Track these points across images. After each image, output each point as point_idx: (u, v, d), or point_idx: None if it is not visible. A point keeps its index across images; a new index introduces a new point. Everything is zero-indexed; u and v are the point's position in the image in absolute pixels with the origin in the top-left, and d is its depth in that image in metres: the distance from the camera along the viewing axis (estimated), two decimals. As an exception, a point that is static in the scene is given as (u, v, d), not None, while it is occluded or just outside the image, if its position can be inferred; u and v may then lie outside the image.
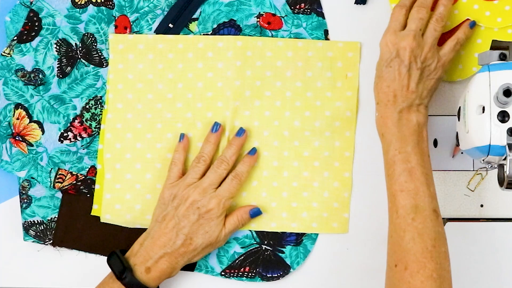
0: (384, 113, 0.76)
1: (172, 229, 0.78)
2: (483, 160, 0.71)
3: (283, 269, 0.83)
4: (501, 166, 0.70)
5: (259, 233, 0.84)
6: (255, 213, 0.82)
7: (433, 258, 0.70)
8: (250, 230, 0.84)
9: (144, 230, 0.82)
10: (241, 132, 0.82)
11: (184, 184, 0.80)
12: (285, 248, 0.83)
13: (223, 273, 0.84)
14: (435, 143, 0.82)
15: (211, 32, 0.85)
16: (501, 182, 0.69)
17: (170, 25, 0.85)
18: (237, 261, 0.83)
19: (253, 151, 0.82)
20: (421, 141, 0.75)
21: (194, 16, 0.85)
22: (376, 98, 0.77)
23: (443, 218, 0.79)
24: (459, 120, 0.75)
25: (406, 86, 0.75)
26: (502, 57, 0.71)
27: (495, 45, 0.79)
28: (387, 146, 0.75)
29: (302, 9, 0.85)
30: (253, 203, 0.83)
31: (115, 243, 0.83)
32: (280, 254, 0.83)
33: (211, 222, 0.78)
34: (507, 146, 0.68)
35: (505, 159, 0.68)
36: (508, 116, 0.69)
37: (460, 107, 0.75)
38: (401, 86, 0.75)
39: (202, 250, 0.79)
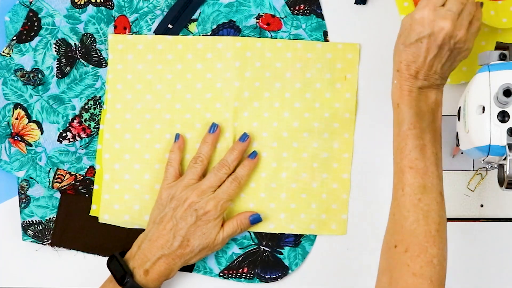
0: (403, 84, 0.71)
1: (169, 231, 0.76)
2: (483, 160, 0.70)
3: (281, 270, 0.82)
4: (501, 166, 0.68)
5: (258, 234, 0.82)
6: (255, 219, 0.80)
7: (435, 243, 0.67)
8: (249, 231, 0.82)
9: (142, 230, 0.81)
10: (244, 137, 0.80)
11: (182, 185, 0.78)
12: (283, 249, 0.81)
13: (221, 274, 0.82)
14: None
15: (210, 33, 0.83)
16: (501, 182, 0.68)
17: (170, 26, 0.83)
18: (235, 262, 0.82)
19: (253, 154, 0.80)
20: (437, 119, 0.71)
21: (194, 17, 0.83)
22: (397, 65, 0.72)
23: None
24: (459, 120, 0.74)
25: (431, 66, 0.71)
26: (502, 57, 0.70)
27: (497, 45, 0.78)
28: (401, 118, 0.71)
29: (301, 10, 0.83)
30: (251, 205, 0.81)
31: (113, 243, 0.81)
32: (279, 255, 0.81)
33: (208, 224, 0.76)
34: (507, 146, 0.66)
35: (505, 159, 0.67)
36: (508, 116, 0.67)
37: (460, 107, 0.74)
38: (426, 65, 0.71)
39: (199, 252, 0.77)
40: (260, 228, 0.81)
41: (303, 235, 0.82)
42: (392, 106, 0.72)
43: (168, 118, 0.82)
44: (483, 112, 0.68)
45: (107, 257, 0.79)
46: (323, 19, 0.83)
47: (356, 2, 0.82)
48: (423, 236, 0.66)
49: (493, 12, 0.78)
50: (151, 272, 0.76)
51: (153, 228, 0.77)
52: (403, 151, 0.70)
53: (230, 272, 0.82)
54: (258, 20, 0.83)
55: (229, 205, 0.79)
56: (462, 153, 0.79)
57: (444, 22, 0.70)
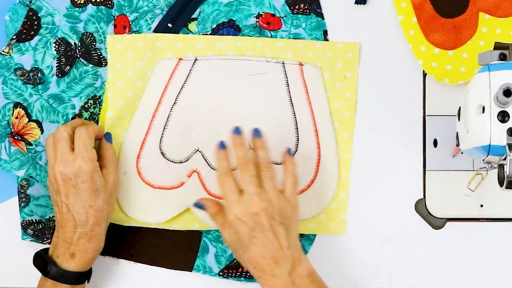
0: (273, 283, 0.65)
1: (68, 212, 0.67)
2: (483, 160, 0.65)
3: None
4: (501, 166, 0.63)
5: None
6: (109, 137, 0.71)
7: None
8: None
9: (139, 228, 0.73)
10: (237, 130, 0.70)
11: None
12: None
13: (221, 273, 0.74)
14: (435, 143, 0.75)
15: (210, 32, 0.75)
16: (501, 182, 0.63)
17: (169, 25, 0.75)
18: (235, 261, 0.74)
19: (257, 132, 0.69)
20: (320, 283, 0.66)
21: (194, 16, 0.75)
22: (254, 270, 0.66)
23: (442, 218, 0.74)
24: (459, 120, 0.69)
25: (279, 247, 0.65)
26: (502, 57, 0.64)
27: (495, 45, 0.72)
28: None
29: (301, 10, 0.76)
30: None
31: (111, 241, 0.73)
32: None
33: (93, 180, 0.67)
34: (507, 146, 0.61)
35: (505, 159, 0.62)
36: (508, 116, 0.62)
37: (460, 107, 0.69)
38: (275, 249, 0.65)
39: (108, 204, 0.68)
40: None
41: (303, 234, 0.75)
42: None
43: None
44: (483, 112, 0.63)
45: (105, 256, 0.72)
46: (323, 18, 0.76)
47: (357, 2, 0.75)
48: None
49: (435, 63, 0.73)
50: (77, 253, 0.68)
51: (56, 215, 0.69)
52: None
53: (230, 271, 0.74)
54: (258, 19, 0.76)
55: (92, 152, 0.68)
56: (462, 153, 0.74)
57: (253, 206, 0.65)
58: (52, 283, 0.67)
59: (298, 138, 0.75)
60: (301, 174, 0.74)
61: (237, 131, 0.69)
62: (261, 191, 0.66)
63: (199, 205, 0.69)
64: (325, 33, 0.76)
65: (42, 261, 0.68)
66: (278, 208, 0.66)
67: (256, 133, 0.70)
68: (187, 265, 0.74)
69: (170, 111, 0.74)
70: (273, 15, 0.75)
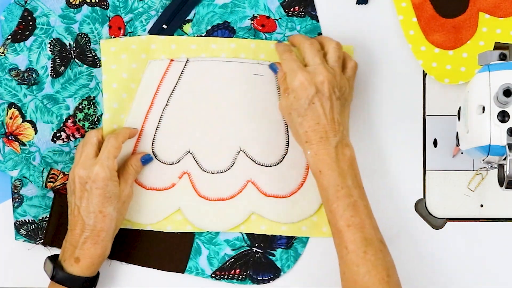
0: (318, 150, 0.66)
1: (78, 214, 0.67)
2: (483, 160, 0.62)
3: (273, 272, 0.72)
4: (501, 166, 0.61)
5: (250, 236, 0.72)
6: (147, 160, 0.71)
7: (390, 287, 0.64)
8: (241, 233, 0.72)
9: (131, 230, 0.71)
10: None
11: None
12: (275, 251, 0.72)
13: (213, 275, 0.72)
14: (435, 143, 0.73)
15: (205, 33, 0.73)
16: (501, 182, 0.61)
17: (164, 26, 0.73)
18: (227, 263, 0.72)
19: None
20: (357, 173, 0.67)
21: (188, 18, 0.73)
22: (303, 137, 0.67)
23: (442, 218, 0.72)
24: (459, 120, 0.67)
25: (332, 119, 0.66)
26: (502, 57, 0.62)
27: (495, 45, 0.69)
28: (326, 183, 0.66)
29: (296, 12, 0.73)
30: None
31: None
32: (271, 257, 0.72)
33: (107, 187, 0.67)
34: (507, 146, 0.59)
35: (505, 159, 0.60)
36: (508, 116, 0.60)
37: (460, 107, 0.67)
38: (329, 120, 0.66)
39: (117, 213, 0.68)
40: (252, 229, 0.72)
41: (296, 237, 0.72)
42: (313, 174, 0.67)
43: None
44: (483, 112, 0.60)
45: None
46: (317, 21, 0.73)
47: (358, 2, 0.73)
48: (377, 284, 0.63)
49: (435, 63, 0.71)
50: (82, 258, 0.67)
51: (68, 218, 0.69)
52: (337, 212, 0.65)
53: (222, 273, 0.72)
54: (252, 22, 0.73)
55: (113, 161, 0.68)
56: (462, 153, 0.72)
57: (320, 75, 0.66)
58: (59, 287, 0.66)
59: (288, 141, 0.72)
60: (291, 177, 0.71)
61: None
62: (326, 64, 0.67)
63: (273, 68, 0.71)
64: (320, 35, 0.73)
65: (51, 265, 0.67)
66: (340, 83, 0.67)
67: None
68: (179, 267, 0.71)
69: (162, 112, 0.72)
70: (268, 17, 0.73)
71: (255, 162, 0.72)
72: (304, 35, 0.70)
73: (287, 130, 0.72)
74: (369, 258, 0.63)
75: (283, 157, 0.72)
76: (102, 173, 0.67)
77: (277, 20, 0.73)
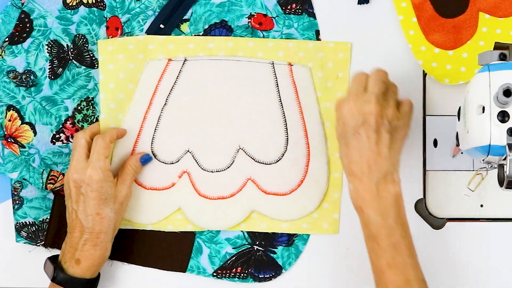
0: (359, 185, 0.63)
1: (76, 218, 0.66)
2: (483, 160, 0.61)
3: (275, 270, 0.71)
4: (501, 166, 0.60)
5: (251, 234, 0.71)
6: (146, 160, 0.69)
7: None
8: (242, 231, 0.71)
9: (132, 230, 0.70)
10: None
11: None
12: (276, 248, 0.71)
13: (215, 274, 0.71)
14: (435, 143, 0.72)
15: (202, 33, 0.71)
16: (501, 182, 0.60)
17: (161, 26, 0.71)
18: (229, 261, 0.71)
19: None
20: (401, 211, 0.63)
21: (186, 17, 0.71)
22: (347, 169, 0.64)
23: (442, 218, 0.71)
24: (459, 120, 0.65)
25: (378, 152, 0.62)
26: (502, 57, 0.61)
27: (495, 45, 0.68)
28: (367, 220, 0.63)
29: (293, 10, 0.71)
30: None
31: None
32: (272, 255, 0.71)
33: (103, 189, 0.65)
34: (507, 146, 0.58)
35: (505, 159, 0.58)
36: (508, 116, 0.58)
37: (460, 107, 0.65)
38: (374, 153, 0.62)
39: (116, 215, 0.67)
40: (252, 227, 0.71)
41: (296, 234, 0.71)
42: (355, 209, 0.64)
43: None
44: (483, 112, 0.59)
45: None
46: (315, 18, 0.71)
47: (360, 2, 0.71)
48: None
49: (435, 63, 0.70)
50: (82, 259, 0.66)
51: (67, 221, 0.68)
52: (378, 251, 0.62)
53: (224, 272, 0.71)
54: (250, 20, 0.71)
55: (105, 162, 0.66)
56: (462, 153, 0.70)
57: (369, 105, 0.63)
58: None
59: (287, 138, 0.71)
60: (291, 174, 0.70)
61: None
62: (382, 96, 0.64)
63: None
64: (317, 33, 0.71)
65: (51, 267, 0.66)
66: (391, 116, 0.63)
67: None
68: (181, 266, 0.70)
69: (161, 112, 0.71)
70: (265, 15, 0.71)
71: (254, 160, 0.71)
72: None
73: (286, 127, 0.71)
74: None
75: (283, 155, 0.71)
76: (95, 175, 0.65)
77: (274, 18, 0.71)
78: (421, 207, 0.71)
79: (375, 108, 0.62)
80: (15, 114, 0.71)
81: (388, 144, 0.63)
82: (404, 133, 0.65)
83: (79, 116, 0.71)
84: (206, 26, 0.71)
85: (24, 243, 0.71)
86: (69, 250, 0.66)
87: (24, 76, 0.71)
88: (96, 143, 0.67)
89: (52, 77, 0.71)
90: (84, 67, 0.71)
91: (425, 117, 0.71)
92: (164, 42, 0.71)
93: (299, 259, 0.71)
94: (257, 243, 0.71)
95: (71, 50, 0.71)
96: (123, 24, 0.71)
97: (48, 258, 0.68)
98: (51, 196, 0.71)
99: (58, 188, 0.71)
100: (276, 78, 0.71)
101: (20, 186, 0.71)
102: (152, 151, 0.71)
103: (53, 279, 0.66)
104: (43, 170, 0.71)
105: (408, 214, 0.70)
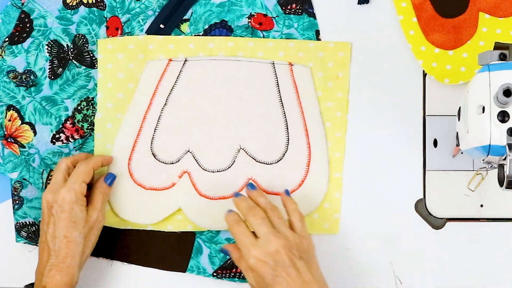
0: None
1: (45, 240, 0.65)
2: (483, 160, 0.61)
3: None
4: (501, 166, 0.59)
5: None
6: (111, 180, 0.67)
7: None
8: None
9: (133, 230, 0.70)
10: (251, 186, 0.67)
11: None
12: None
13: (215, 274, 0.70)
14: (435, 143, 0.71)
15: (202, 33, 0.71)
16: (501, 182, 0.59)
17: (161, 26, 0.70)
18: (229, 261, 0.70)
19: (251, 186, 0.67)
20: None
21: (186, 17, 0.71)
22: None
23: (442, 218, 0.71)
24: (459, 120, 0.65)
25: (304, 282, 0.61)
26: (502, 57, 0.60)
27: (495, 45, 0.68)
28: None
29: (293, 10, 0.71)
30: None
31: (104, 243, 0.69)
32: None
33: (72, 212, 0.64)
34: (507, 146, 0.58)
35: (505, 159, 0.58)
36: (508, 116, 0.58)
37: (460, 107, 0.64)
38: (300, 284, 0.61)
39: (85, 239, 0.65)
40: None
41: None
42: None
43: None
44: (483, 112, 0.58)
45: (99, 258, 0.69)
46: (315, 18, 0.71)
47: (360, 2, 0.71)
48: None
49: (435, 63, 0.69)
50: (48, 286, 0.63)
51: (39, 244, 0.66)
52: None
53: (224, 272, 0.70)
54: (250, 20, 0.71)
55: (80, 185, 0.64)
56: (462, 153, 0.70)
57: (271, 244, 0.62)
58: None
59: (288, 138, 0.70)
60: (291, 174, 0.70)
61: (236, 194, 0.66)
62: (274, 230, 0.63)
63: (224, 252, 0.66)
64: (317, 33, 0.71)
65: None
66: (295, 243, 0.63)
67: (251, 186, 0.67)
68: (181, 266, 0.70)
69: (161, 112, 0.70)
70: (265, 15, 0.71)
71: (255, 160, 0.70)
72: (246, 199, 0.65)
73: (287, 128, 0.70)
74: None
75: (284, 155, 0.70)
76: (67, 196, 0.64)
77: (275, 18, 0.71)
78: (421, 207, 0.71)
79: (278, 243, 0.61)
80: (15, 114, 0.71)
81: (307, 269, 0.62)
82: (311, 246, 0.64)
83: (79, 116, 0.71)
84: (206, 26, 0.71)
85: (24, 243, 0.70)
86: (37, 277, 0.65)
87: (24, 76, 0.71)
88: (78, 167, 0.66)
89: (52, 77, 0.71)
90: (84, 67, 0.71)
91: (425, 117, 0.71)
92: (164, 42, 0.70)
93: (299, 259, 0.71)
94: (257, 243, 0.71)
95: (71, 50, 0.71)
96: (123, 24, 0.71)
97: (25, 286, 0.66)
98: (51, 196, 0.71)
99: (58, 188, 0.71)
100: (276, 78, 0.70)
101: (20, 186, 0.70)
102: (152, 151, 0.70)
103: None
104: (43, 170, 0.70)
105: (408, 214, 0.71)
